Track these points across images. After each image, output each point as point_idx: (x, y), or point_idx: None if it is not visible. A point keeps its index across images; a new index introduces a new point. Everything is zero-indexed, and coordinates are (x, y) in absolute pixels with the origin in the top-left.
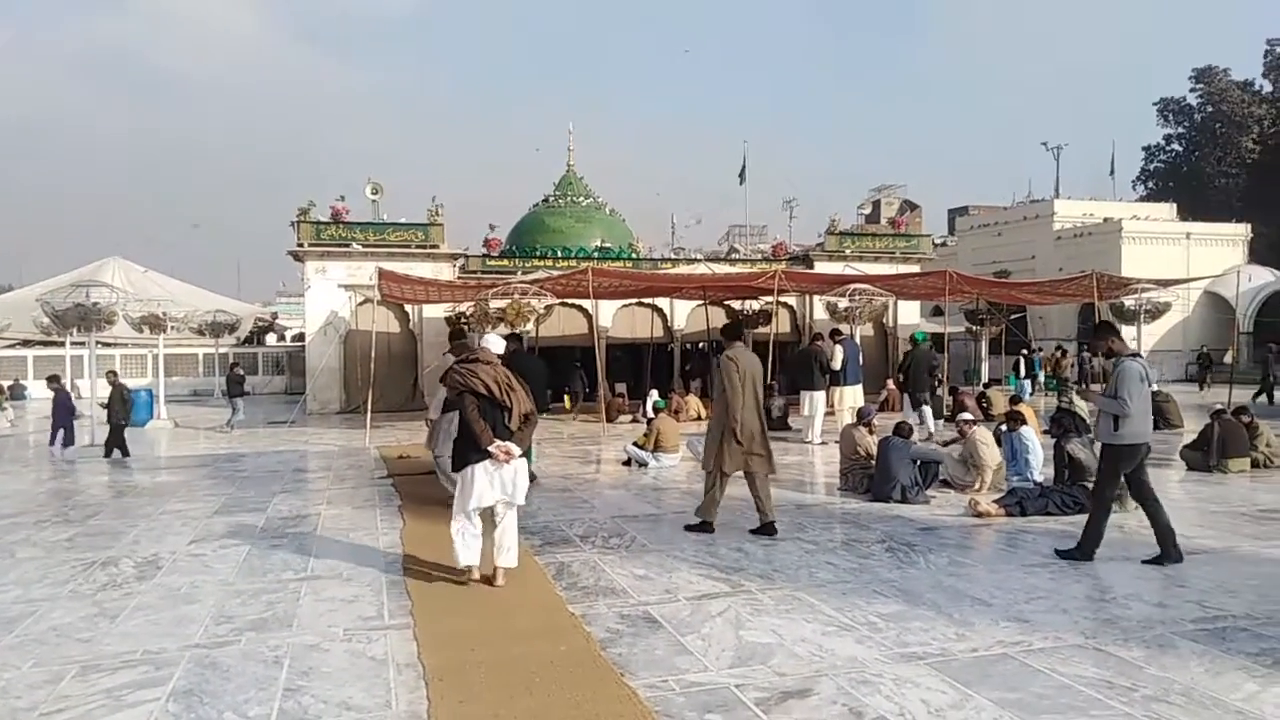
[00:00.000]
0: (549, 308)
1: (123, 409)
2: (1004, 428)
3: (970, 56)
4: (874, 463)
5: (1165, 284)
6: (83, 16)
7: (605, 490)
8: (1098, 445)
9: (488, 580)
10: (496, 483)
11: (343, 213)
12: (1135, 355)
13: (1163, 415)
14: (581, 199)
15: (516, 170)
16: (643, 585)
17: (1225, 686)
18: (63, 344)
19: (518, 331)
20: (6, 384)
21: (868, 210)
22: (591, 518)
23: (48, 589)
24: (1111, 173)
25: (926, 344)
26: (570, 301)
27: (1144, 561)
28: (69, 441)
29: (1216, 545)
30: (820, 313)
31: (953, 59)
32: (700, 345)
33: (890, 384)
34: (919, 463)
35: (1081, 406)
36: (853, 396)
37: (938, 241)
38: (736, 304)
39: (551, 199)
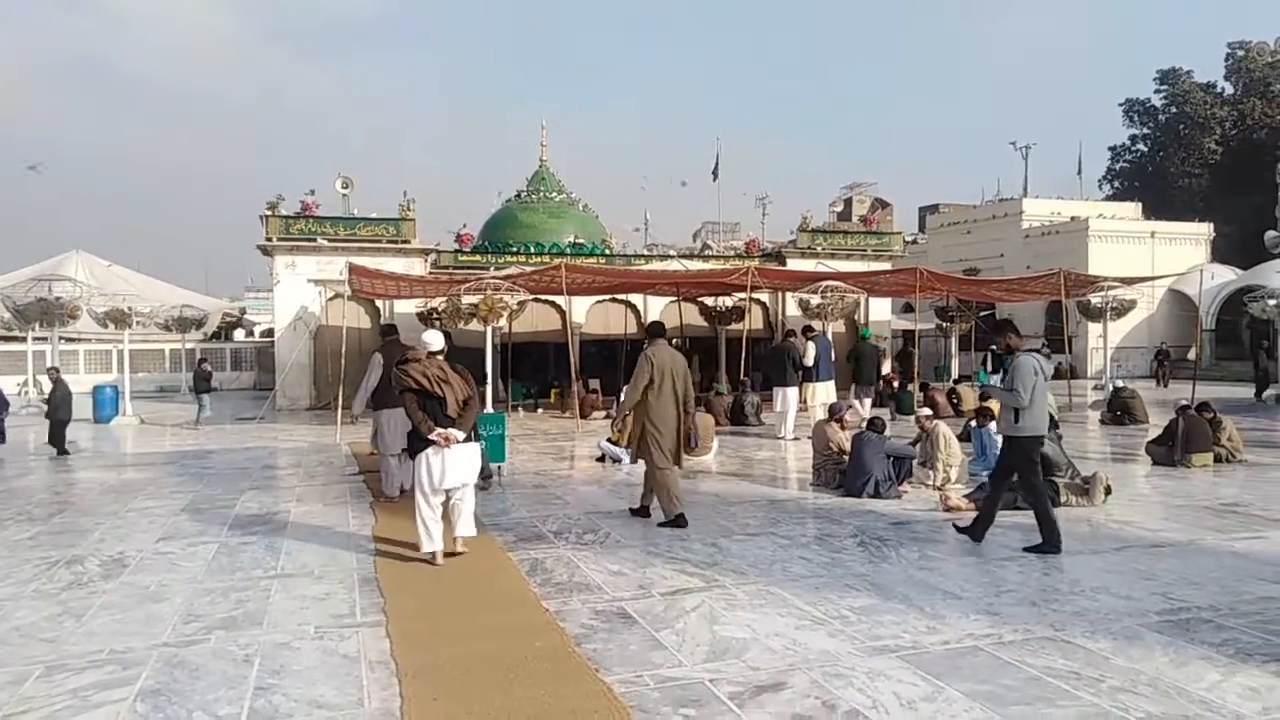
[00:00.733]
0: (522, 303)
1: (64, 406)
2: (973, 423)
3: (941, 55)
4: (846, 458)
5: (1130, 282)
6: (46, 15)
7: (579, 486)
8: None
9: (451, 554)
10: (449, 466)
11: (312, 207)
12: (1032, 351)
13: (1128, 411)
14: (555, 194)
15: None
16: (617, 581)
17: (1189, 676)
18: (25, 339)
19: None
20: None
21: (840, 208)
22: (565, 514)
23: (10, 588)
24: (1079, 172)
25: (871, 340)
26: (543, 297)
27: (1025, 549)
28: None
29: (1181, 538)
30: (793, 309)
31: (924, 58)
32: (674, 342)
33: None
34: (891, 458)
35: (1051, 403)
36: (825, 392)
37: (909, 239)
38: (710, 300)
39: (524, 194)
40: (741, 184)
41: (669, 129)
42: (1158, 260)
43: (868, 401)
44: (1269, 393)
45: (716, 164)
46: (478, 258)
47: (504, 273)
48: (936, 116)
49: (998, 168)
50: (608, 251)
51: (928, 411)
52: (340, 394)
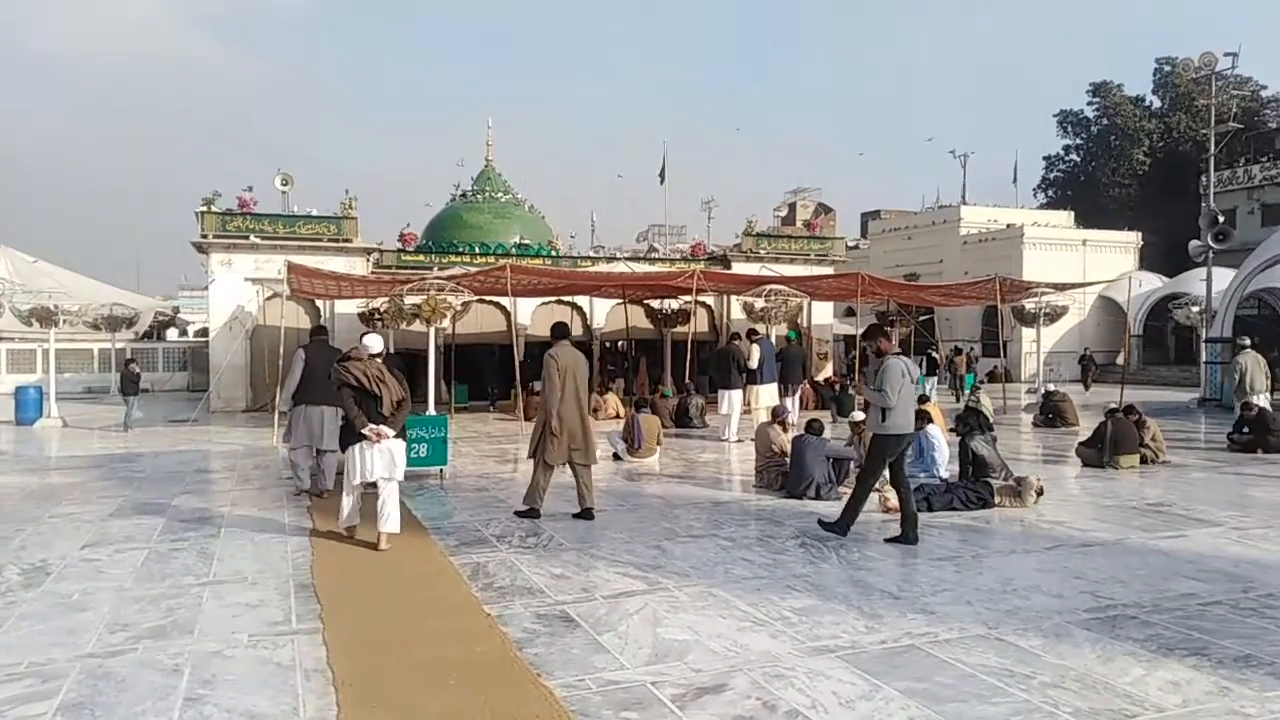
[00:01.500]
0: (466, 304)
1: None
2: None
3: (884, 63)
4: (788, 460)
5: (1062, 288)
6: None
7: (522, 489)
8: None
9: (373, 546)
10: (378, 460)
11: (250, 204)
12: (900, 354)
13: (1060, 414)
14: (501, 195)
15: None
16: (560, 584)
17: (1115, 671)
18: None
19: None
20: None
21: (784, 212)
22: (508, 517)
23: None
24: (1014, 180)
25: (797, 342)
26: (488, 298)
27: (885, 540)
28: None
29: (1109, 538)
30: (738, 312)
31: (867, 65)
32: (619, 344)
33: (806, 383)
34: (831, 460)
35: (987, 405)
36: (768, 395)
37: (851, 244)
38: (656, 303)
39: (470, 194)
40: (687, 187)
41: (614, 132)
42: (1089, 267)
43: (794, 402)
44: (1191, 398)
45: (663, 167)
46: (421, 258)
47: (448, 273)
48: (879, 123)
49: (937, 175)
50: (554, 253)
51: (860, 415)
52: (278, 396)
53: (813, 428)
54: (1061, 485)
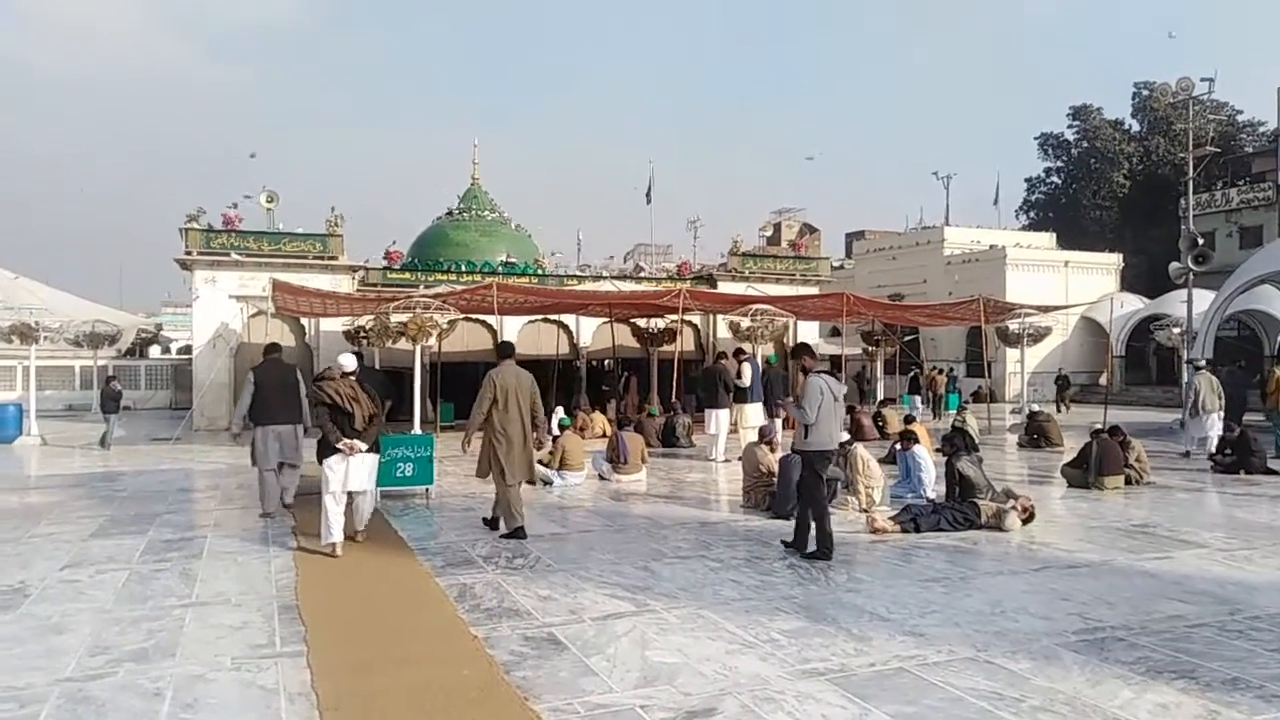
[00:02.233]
0: (452, 322)
1: None
2: (898, 446)
3: (869, 83)
4: (776, 480)
5: (1046, 310)
6: None
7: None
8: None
9: (351, 539)
10: (353, 471)
11: (235, 220)
12: (824, 373)
13: (1044, 434)
14: (487, 213)
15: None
16: (547, 606)
17: (1104, 694)
18: None
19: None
20: None
21: (769, 232)
22: (494, 538)
23: None
24: (995, 202)
25: (780, 365)
26: (474, 317)
27: (782, 542)
28: None
29: (1095, 559)
30: (724, 332)
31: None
32: (606, 363)
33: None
34: None
35: (973, 426)
36: (755, 415)
37: (835, 264)
38: (642, 322)
39: (456, 212)
40: (674, 206)
41: (602, 151)
42: (1071, 288)
43: (779, 423)
44: (1173, 418)
45: (650, 187)
46: (407, 276)
47: (434, 291)
48: (864, 144)
49: (921, 196)
50: (540, 271)
51: (845, 436)
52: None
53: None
54: (1047, 506)
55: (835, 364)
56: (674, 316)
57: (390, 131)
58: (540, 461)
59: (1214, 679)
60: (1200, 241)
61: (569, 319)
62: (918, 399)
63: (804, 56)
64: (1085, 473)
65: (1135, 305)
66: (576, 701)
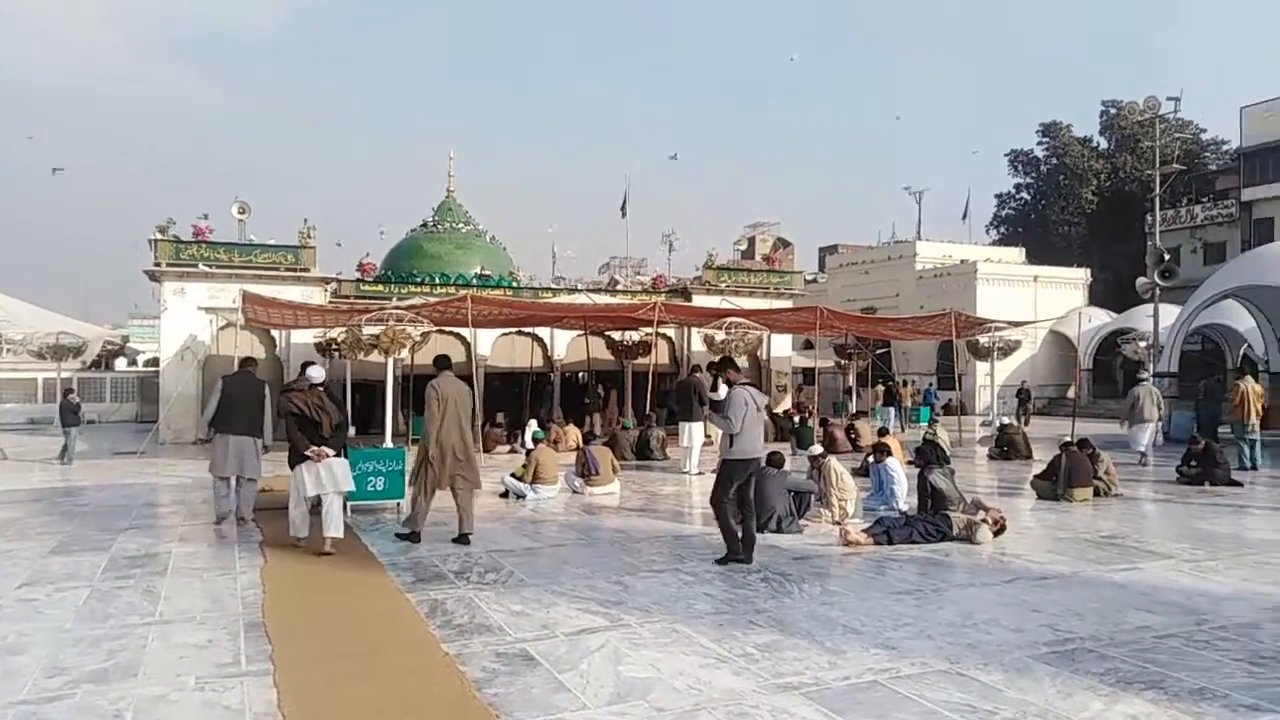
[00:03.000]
0: (425, 335)
1: None
2: (871, 459)
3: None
4: None
5: (1016, 324)
6: None
7: (481, 523)
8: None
9: (320, 552)
10: (322, 477)
11: (205, 232)
12: (746, 385)
13: (1013, 446)
14: (461, 225)
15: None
16: (520, 621)
17: (1075, 706)
18: None
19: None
20: None
21: (744, 246)
22: (467, 552)
23: None
24: (964, 217)
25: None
26: (448, 329)
27: (716, 561)
28: None
29: (1065, 570)
30: (698, 345)
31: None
32: (580, 376)
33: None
34: (792, 493)
35: (944, 438)
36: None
37: (809, 278)
38: (617, 335)
39: (430, 224)
40: (649, 219)
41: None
42: (1040, 302)
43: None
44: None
45: (625, 200)
46: (380, 288)
47: (407, 303)
48: (836, 158)
49: (893, 211)
50: (515, 284)
51: (818, 449)
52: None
53: (774, 460)
54: (1017, 518)
55: (809, 377)
56: (648, 329)
57: (365, 144)
58: (513, 475)
59: (1182, 689)
60: (1166, 257)
61: (543, 332)
62: (891, 411)
63: (776, 73)
64: (1055, 485)
65: (1102, 319)
66: (549, 718)
